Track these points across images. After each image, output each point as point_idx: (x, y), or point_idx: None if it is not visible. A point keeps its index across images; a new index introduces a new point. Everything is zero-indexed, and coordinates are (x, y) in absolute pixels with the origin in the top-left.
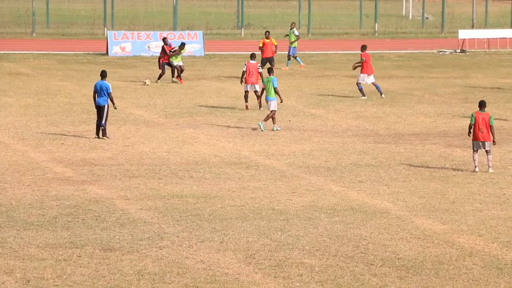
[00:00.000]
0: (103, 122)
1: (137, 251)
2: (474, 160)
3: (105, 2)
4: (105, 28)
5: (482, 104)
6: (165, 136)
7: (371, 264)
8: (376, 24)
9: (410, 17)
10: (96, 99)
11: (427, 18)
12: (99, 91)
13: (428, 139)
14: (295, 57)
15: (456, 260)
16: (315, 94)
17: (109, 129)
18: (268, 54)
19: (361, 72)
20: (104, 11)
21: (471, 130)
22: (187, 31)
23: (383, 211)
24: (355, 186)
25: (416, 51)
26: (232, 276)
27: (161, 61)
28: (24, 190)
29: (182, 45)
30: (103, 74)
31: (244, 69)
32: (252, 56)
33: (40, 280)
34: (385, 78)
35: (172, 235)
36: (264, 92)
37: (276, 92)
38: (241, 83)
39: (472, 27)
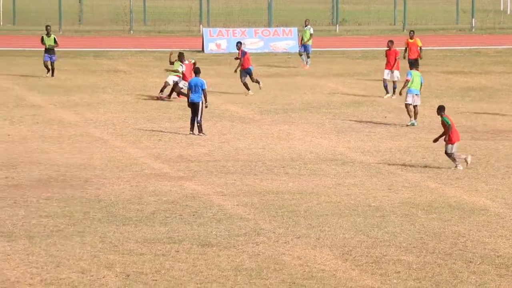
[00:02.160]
0: (199, 118)
1: (234, 246)
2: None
3: (200, 0)
4: (201, 25)
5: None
6: (260, 133)
7: (470, 262)
8: (473, 19)
9: (508, 12)
10: (190, 95)
11: None
12: (193, 88)
13: None
14: (300, 55)
15: None
16: None
17: (205, 125)
18: (413, 56)
19: (385, 68)
20: (200, 8)
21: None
22: (282, 28)
23: (482, 208)
24: (452, 183)
25: None
26: (329, 272)
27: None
28: (123, 186)
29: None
30: (197, 71)
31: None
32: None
33: (139, 274)
34: (482, 74)
35: (268, 231)
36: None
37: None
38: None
39: None
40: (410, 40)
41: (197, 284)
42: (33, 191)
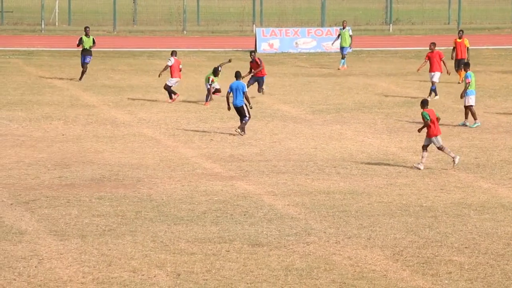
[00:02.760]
0: (247, 118)
1: (285, 246)
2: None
3: (254, 0)
4: (254, 25)
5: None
6: (312, 132)
7: None
8: None
9: None
10: (233, 100)
11: None
12: (235, 92)
13: None
14: (343, 57)
15: None
16: None
17: (257, 125)
18: (460, 55)
19: (429, 71)
20: (253, 8)
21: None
22: (335, 27)
23: None
24: (505, 183)
25: None
26: (380, 272)
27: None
28: (175, 185)
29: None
30: (237, 75)
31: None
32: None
33: (190, 274)
34: None
35: (319, 231)
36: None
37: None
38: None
39: None
40: (458, 40)
41: (248, 283)
42: (86, 191)
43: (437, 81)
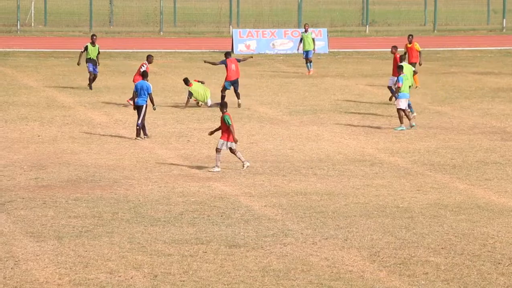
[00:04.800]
0: (139, 122)
1: (262, 247)
2: None
3: (230, 1)
4: (231, 26)
5: None
6: (289, 133)
7: (499, 263)
8: (504, 19)
9: None
10: (136, 99)
11: None
12: (139, 92)
13: None
14: (307, 62)
15: None
16: (440, 91)
17: (235, 126)
18: (412, 60)
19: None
20: (230, 9)
21: None
22: (311, 29)
23: (511, 209)
24: (481, 184)
25: None
26: (357, 273)
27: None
28: (151, 187)
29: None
30: (144, 74)
31: None
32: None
33: (167, 275)
34: None
35: (296, 232)
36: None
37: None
38: None
39: None
40: (408, 45)
41: (225, 285)
42: (62, 192)
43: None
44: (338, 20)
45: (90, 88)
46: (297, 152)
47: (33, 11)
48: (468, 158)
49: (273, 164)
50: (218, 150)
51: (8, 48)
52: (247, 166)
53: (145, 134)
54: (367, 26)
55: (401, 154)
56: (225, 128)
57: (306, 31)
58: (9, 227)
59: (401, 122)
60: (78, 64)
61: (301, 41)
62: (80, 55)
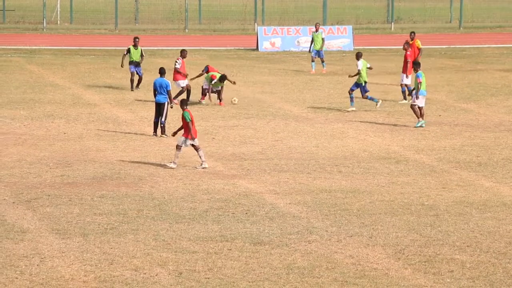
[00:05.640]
0: (163, 119)
1: (286, 245)
2: None
3: None
4: (256, 23)
5: None
6: (314, 131)
7: None
8: None
9: None
10: (156, 96)
11: None
12: (158, 89)
13: None
14: (313, 61)
15: None
16: (466, 88)
17: (258, 124)
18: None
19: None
20: (255, 6)
21: None
22: (336, 26)
23: None
24: (507, 181)
25: None
26: (381, 271)
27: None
28: (176, 184)
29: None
30: (162, 71)
31: None
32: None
33: (192, 272)
34: None
35: (321, 229)
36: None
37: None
38: None
39: None
40: (410, 42)
41: (249, 282)
42: (87, 189)
43: (405, 82)
44: (363, 17)
45: (132, 89)
46: (322, 149)
47: (59, 9)
48: (494, 156)
49: (298, 161)
50: (178, 147)
51: (34, 45)
52: (204, 168)
53: (155, 132)
54: (393, 23)
55: (426, 152)
56: (186, 125)
57: (317, 30)
58: (35, 224)
59: (418, 117)
60: (122, 66)
61: (312, 40)
62: (123, 58)
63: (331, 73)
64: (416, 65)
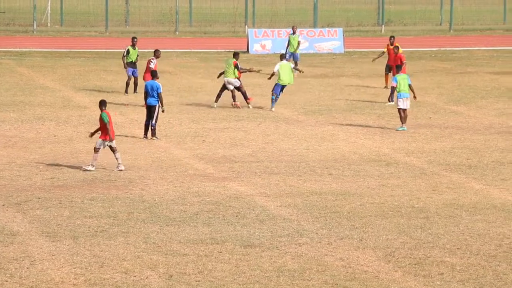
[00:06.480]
0: (154, 122)
1: (277, 247)
2: None
3: (246, 1)
4: (246, 26)
5: None
6: (304, 133)
7: None
8: None
9: None
10: (147, 99)
11: None
12: (149, 92)
13: None
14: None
15: None
16: (456, 90)
17: (249, 126)
18: (391, 61)
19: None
20: (245, 9)
21: None
22: (327, 28)
23: None
24: (497, 184)
25: None
26: (372, 273)
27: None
28: (167, 186)
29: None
30: (153, 74)
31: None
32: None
33: (182, 275)
34: None
35: (311, 232)
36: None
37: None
38: None
39: None
40: (390, 46)
41: (240, 285)
42: (78, 192)
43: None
44: (353, 20)
45: (126, 92)
46: (313, 152)
47: (49, 11)
48: (484, 158)
49: (288, 164)
50: (96, 150)
51: (24, 48)
52: (121, 170)
53: (145, 135)
54: (383, 25)
55: (416, 154)
56: (104, 127)
57: (294, 32)
58: (25, 226)
59: (402, 122)
60: (125, 68)
61: (288, 43)
62: (123, 59)
63: (321, 75)
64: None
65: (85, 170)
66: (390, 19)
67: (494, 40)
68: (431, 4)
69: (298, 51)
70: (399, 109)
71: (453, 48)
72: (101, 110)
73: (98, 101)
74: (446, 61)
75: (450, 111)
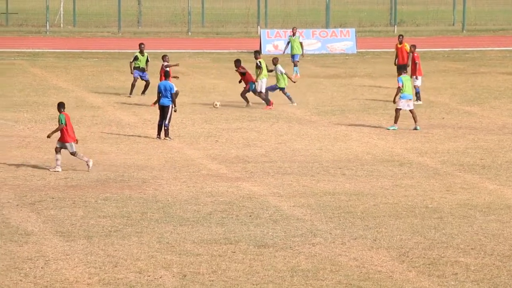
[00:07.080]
0: (167, 122)
1: (290, 247)
2: None
3: (258, 1)
4: (259, 26)
5: None
6: (317, 134)
7: None
8: None
9: None
10: (160, 99)
11: None
12: (163, 92)
13: None
14: (295, 65)
15: None
16: (469, 91)
17: (262, 126)
18: (402, 61)
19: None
20: (258, 9)
21: None
22: (339, 29)
23: None
24: (511, 184)
25: None
26: (386, 274)
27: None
28: (180, 187)
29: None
30: (166, 74)
31: None
32: None
33: (196, 275)
34: None
35: (325, 232)
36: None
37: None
38: None
39: None
40: (399, 45)
41: (253, 285)
42: (91, 192)
43: (417, 84)
44: (366, 20)
45: (130, 94)
46: (326, 152)
47: (62, 12)
48: (498, 159)
49: (302, 164)
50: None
51: (37, 48)
52: (91, 166)
53: (158, 135)
54: (395, 26)
55: (430, 155)
56: (70, 129)
57: (294, 34)
58: (39, 226)
59: (395, 122)
60: (132, 73)
61: (288, 44)
62: (131, 65)
63: (334, 76)
64: (400, 69)
65: (55, 171)
66: (402, 19)
67: (507, 40)
68: (443, 5)
69: (300, 52)
70: (397, 109)
71: (466, 49)
72: (60, 111)
73: (57, 104)
74: (459, 62)
75: (463, 111)
